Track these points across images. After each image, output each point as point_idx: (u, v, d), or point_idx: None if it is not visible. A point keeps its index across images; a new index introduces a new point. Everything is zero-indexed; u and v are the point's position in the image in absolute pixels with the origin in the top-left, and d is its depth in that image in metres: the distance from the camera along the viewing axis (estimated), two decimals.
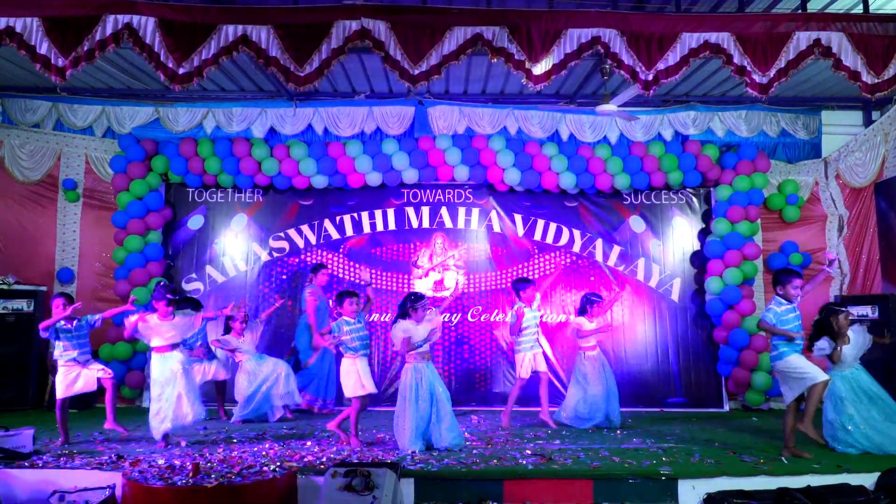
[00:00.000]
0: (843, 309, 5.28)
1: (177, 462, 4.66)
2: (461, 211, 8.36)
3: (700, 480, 4.46)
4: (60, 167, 8.29)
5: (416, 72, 5.73)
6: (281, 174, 8.03)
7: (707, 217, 8.34)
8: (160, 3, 5.67)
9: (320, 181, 8.10)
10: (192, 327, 5.71)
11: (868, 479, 4.44)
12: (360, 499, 3.79)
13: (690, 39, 5.83)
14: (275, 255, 8.27)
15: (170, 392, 5.37)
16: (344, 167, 8.00)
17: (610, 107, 6.81)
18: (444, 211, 8.36)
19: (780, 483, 4.39)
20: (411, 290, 6.46)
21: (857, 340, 5.28)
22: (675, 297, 8.23)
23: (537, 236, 8.31)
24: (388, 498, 3.85)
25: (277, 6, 5.85)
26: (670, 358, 8.09)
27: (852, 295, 7.86)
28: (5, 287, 7.59)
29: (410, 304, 5.42)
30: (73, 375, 5.75)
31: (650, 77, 5.81)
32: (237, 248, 8.29)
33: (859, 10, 6.23)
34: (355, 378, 5.52)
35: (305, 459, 4.85)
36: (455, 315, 8.04)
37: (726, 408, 7.94)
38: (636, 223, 8.34)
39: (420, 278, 8.20)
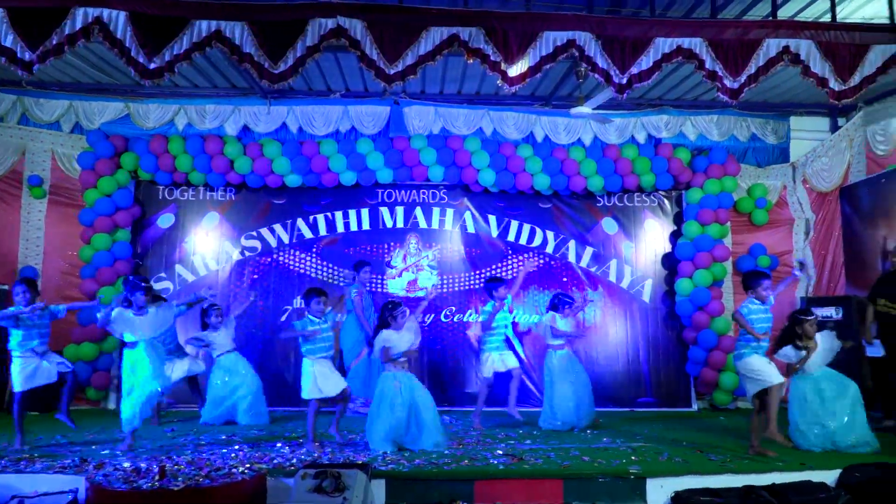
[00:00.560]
0: (810, 317, 5.36)
1: (143, 465, 4.54)
2: (436, 211, 8.35)
3: (668, 479, 4.51)
4: (25, 163, 8.04)
5: (392, 71, 5.72)
6: (254, 173, 7.93)
7: (678, 219, 8.44)
8: None
9: (294, 180, 8.02)
10: (166, 322, 5.59)
11: (830, 476, 4.55)
12: (331, 500, 3.75)
13: (664, 44, 5.92)
14: (247, 254, 8.17)
15: (140, 388, 5.28)
16: (318, 166, 7.93)
17: (584, 109, 6.88)
18: (418, 211, 8.34)
19: (745, 481, 4.46)
20: (388, 299, 6.41)
21: (825, 345, 5.39)
22: (646, 297, 8.32)
23: (511, 237, 8.34)
24: (358, 499, 3.82)
25: (252, 2, 5.76)
26: (641, 358, 8.18)
27: (817, 296, 8.03)
28: None
29: (389, 314, 5.42)
30: (32, 368, 5.47)
31: (624, 80, 5.89)
32: (208, 246, 8.17)
33: (828, 18, 6.37)
34: (311, 381, 5.50)
35: (275, 461, 4.79)
36: (428, 315, 8.01)
37: (695, 407, 8.05)
38: (609, 225, 8.42)
39: (394, 278, 8.18)
